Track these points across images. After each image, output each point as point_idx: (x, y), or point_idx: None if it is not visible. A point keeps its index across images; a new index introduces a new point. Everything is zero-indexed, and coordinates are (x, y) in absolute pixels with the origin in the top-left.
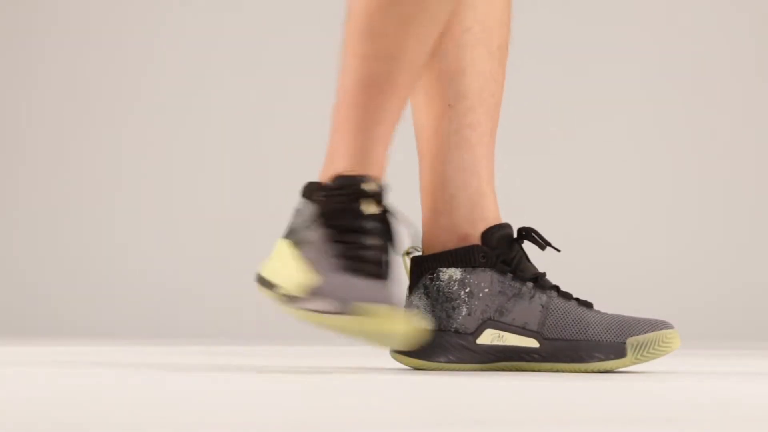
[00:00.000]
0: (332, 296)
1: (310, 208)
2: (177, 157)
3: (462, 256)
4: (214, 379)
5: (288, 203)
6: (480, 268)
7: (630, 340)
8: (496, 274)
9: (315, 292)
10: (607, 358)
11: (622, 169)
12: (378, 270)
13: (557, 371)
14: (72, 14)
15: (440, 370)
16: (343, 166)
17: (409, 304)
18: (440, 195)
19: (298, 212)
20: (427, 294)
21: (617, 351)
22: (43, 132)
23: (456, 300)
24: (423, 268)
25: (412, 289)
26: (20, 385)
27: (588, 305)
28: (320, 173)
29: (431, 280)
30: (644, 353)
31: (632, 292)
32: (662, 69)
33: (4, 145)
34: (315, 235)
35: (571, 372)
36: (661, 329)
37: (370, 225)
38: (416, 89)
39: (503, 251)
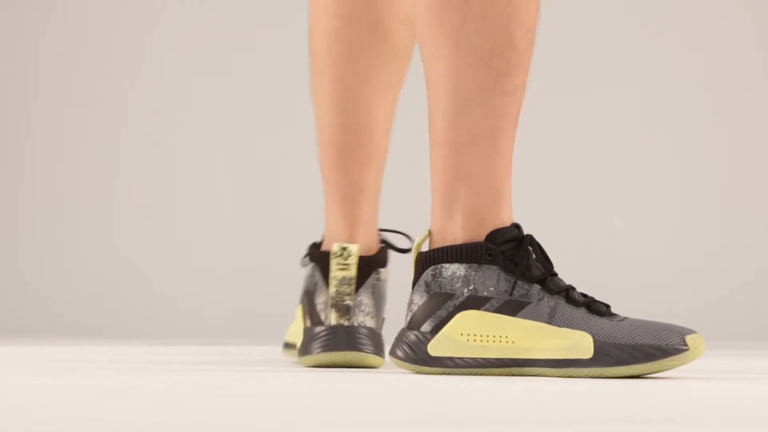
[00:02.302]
0: None
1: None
2: (177, 157)
3: (467, 253)
4: (214, 379)
5: (289, 202)
6: (486, 266)
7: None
8: (503, 272)
9: None
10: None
11: (623, 170)
12: None
13: (559, 377)
14: (72, 18)
15: (442, 374)
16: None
17: (410, 302)
18: (453, 185)
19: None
20: (428, 291)
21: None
22: (42, 132)
23: (458, 298)
24: (426, 262)
25: (414, 284)
26: (20, 386)
27: (601, 310)
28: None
29: (433, 276)
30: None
31: (632, 293)
32: (667, 69)
33: (5, 145)
34: None
35: (569, 377)
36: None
37: None
38: (437, 75)
39: (510, 251)
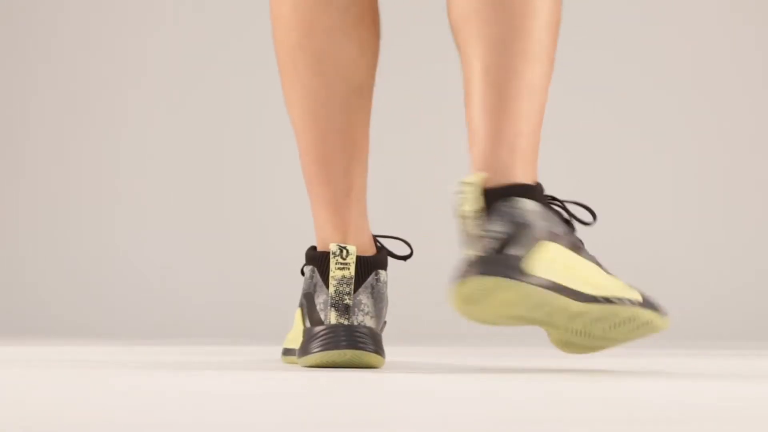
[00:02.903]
0: None
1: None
2: (177, 156)
3: (535, 192)
4: (214, 379)
5: (290, 202)
6: (546, 207)
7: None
8: (558, 217)
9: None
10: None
11: (621, 170)
12: None
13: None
14: (71, 17)
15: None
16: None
17: (486, 230)
18: (505, 123)
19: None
20: (511, 220)
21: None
22: (42, 132)
23: (538, 230)
24: (497, 196)
25: (484, 215)
26: (20, 386)
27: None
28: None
29: (512, 208)
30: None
31: None
32: (664, 68)
33: (5, 145)
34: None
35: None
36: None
37: None
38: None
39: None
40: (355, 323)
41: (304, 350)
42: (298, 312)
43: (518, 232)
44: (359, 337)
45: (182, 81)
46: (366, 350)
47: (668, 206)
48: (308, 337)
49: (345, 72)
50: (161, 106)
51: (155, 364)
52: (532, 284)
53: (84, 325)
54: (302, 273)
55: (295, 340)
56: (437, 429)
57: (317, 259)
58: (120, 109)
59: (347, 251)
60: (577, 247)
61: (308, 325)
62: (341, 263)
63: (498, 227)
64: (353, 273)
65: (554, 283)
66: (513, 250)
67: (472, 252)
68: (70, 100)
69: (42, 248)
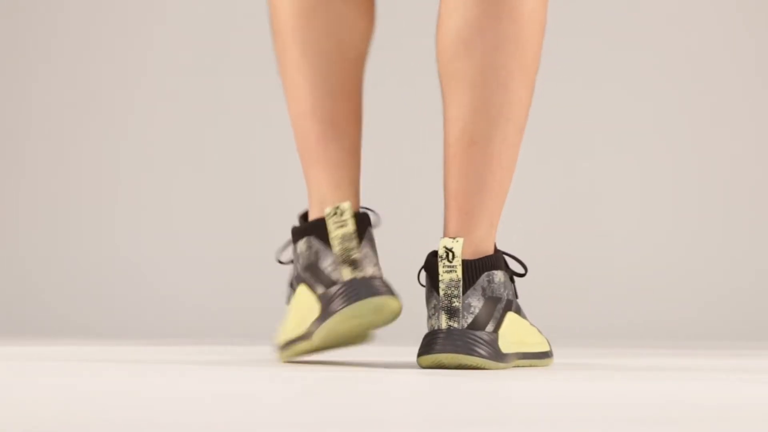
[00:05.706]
0: None
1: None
2: (177, 157)
3: (503, 261)
4: (214, 379)
5: (287, 203)
6: (504, 271)
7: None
8: (508, 277)
9: None
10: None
11: (621, 171)
12: None
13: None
14: (71, 17)
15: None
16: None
17: (467, 305)
18: (484, 197)
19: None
20: (484, 295)
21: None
22: (43, 132)
23: (502, 301)
24: (480, 269)
25: (467, 288)
26: (20, 385)
27: None
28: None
29: (488, 282)
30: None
31: (633, 294)
32: (662, 71)
33: (5, 145)
34: None
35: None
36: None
37: None
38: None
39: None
40: (368, 275)
41: (327, 313)
42: (298, 293)
43: (491, 307)
44: (378, 287)
45: (183, 81)
46: (384, 295)
47: (668, 207)
48: (327, 300)
49: (351, 38)
50: (162, 106)
51: (155, 364)
52: (509, 363)
53: (84, 325)
54: (279, 262)
55: (298, 325)
56: (435, 428)
57: (312, 228)
58: (120, 109)
59: (342, 209)
60: (518, 307)
61: (321, 291)
62: (340, 222)
63: (475, 301)
64: (354, 228)
65: (522, 353)
66: (489, 326)
67: (448, 323)
68: (70, 100)
69: (42, 248)
